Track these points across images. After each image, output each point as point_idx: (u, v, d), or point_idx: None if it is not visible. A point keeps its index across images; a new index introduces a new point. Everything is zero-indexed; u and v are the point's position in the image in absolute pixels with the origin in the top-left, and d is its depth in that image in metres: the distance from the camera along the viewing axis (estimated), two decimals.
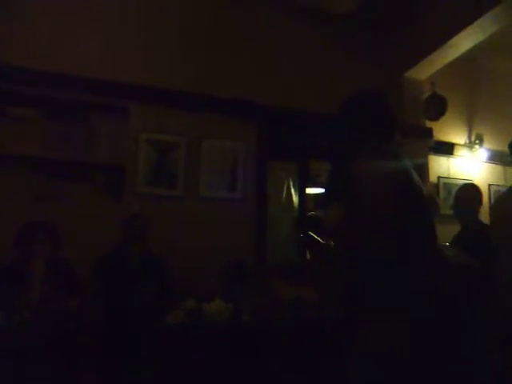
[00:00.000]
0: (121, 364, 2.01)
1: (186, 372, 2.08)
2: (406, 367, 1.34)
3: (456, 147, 4.41)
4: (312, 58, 3.96)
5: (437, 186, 4.28)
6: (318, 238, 1.99)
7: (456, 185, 3.84)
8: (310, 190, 4.10)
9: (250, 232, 3.56)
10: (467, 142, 4.52)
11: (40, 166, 3.11)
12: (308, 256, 2.68)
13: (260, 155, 3.74)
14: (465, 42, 3.70)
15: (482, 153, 4.50)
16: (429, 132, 4.19)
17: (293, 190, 4.14)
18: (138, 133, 3.37)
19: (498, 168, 4.67)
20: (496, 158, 4.62)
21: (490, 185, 4.56)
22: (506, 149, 4.64)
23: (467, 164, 4.47)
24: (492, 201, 4.53)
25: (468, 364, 1.93)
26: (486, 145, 4.59)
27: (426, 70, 4.15)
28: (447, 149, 4.35)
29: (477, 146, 4.48)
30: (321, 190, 3.98)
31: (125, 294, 2.39)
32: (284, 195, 4.10)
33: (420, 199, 1.55)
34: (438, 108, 4.06)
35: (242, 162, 3.64)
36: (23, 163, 3.06)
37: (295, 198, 4.09)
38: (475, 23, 3.41)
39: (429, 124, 4.24)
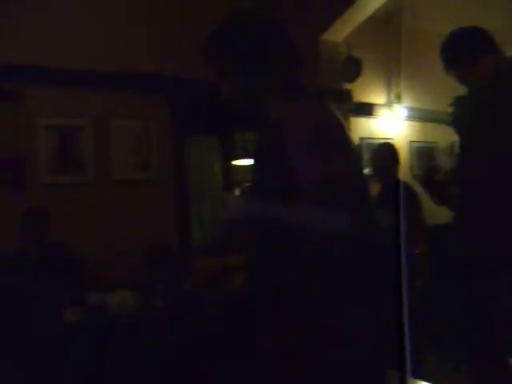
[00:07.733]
0: None
1: None
2: None
3: (376, 107, 4.44)
4: None
5: (359, 147, 4.31)
6: None
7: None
8: (238, 162, 3.94)
9: (169, 213, 3.43)
10: (386, 101, 4.56)
11: None
12: None
13: (175, 132, 3.56)
14: (372, 2, 3.69)
15: (401, 111, 4.57)
16: (347, 94, 4.17)
17: (217, 166, 4.01)
18: (36, 119, 3.09)
19: (418, 125, 4.77)
20: (415, 115, 4.71)
21: (410, 141, 4.67)
22: (423, 106, 4.80)
23: (388, 123, 4.53)
24: (414, 157, 4.67)
25: None
26: (405, 103, 4.65)
27: (340, 32, 4.10)
28: (367, 109, 4.37)
29: (396, 105, 4.54)
30: (250, 162, 3.84)
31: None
32: (207, 171, 3.97)
33: None
34: (354, 69, 4.03)
35: (155, 141, 3.45)
36: None
37: (219, 174, 3.97)
38: None
39: (347, 86, 4.22)
